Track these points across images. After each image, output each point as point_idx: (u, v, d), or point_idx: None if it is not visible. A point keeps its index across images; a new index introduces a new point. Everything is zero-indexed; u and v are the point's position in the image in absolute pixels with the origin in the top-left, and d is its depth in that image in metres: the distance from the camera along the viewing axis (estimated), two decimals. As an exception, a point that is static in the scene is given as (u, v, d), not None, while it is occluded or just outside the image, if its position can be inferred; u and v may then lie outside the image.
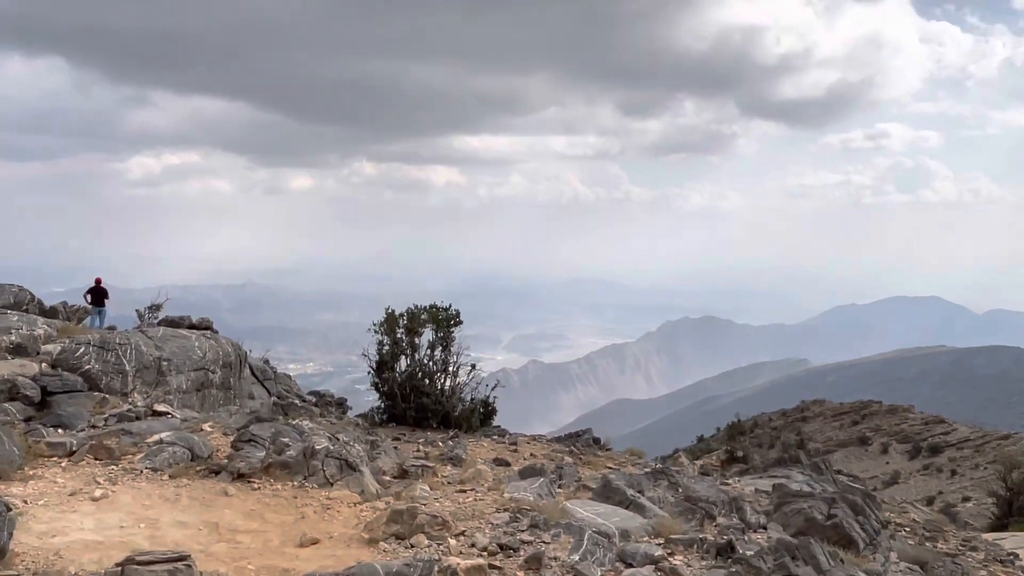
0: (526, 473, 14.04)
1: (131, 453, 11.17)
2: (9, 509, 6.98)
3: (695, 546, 9.08)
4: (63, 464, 10.67)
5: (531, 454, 18.89)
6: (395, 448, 18.25)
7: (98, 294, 26.07)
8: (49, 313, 17.96)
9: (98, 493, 9.75)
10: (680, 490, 15.20)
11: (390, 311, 24.84)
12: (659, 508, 11.55)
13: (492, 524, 9.49)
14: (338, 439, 11.36)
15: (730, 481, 17.14)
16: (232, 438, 12.16)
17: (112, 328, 23.64)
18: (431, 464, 13.16)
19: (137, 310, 28.13)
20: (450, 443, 19.98)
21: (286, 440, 11.92)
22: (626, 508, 10.89)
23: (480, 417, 23.91)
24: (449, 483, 12.66)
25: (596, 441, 22.44)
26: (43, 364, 13.22)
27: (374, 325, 24.64)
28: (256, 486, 10.56)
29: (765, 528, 12.15)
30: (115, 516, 9.22)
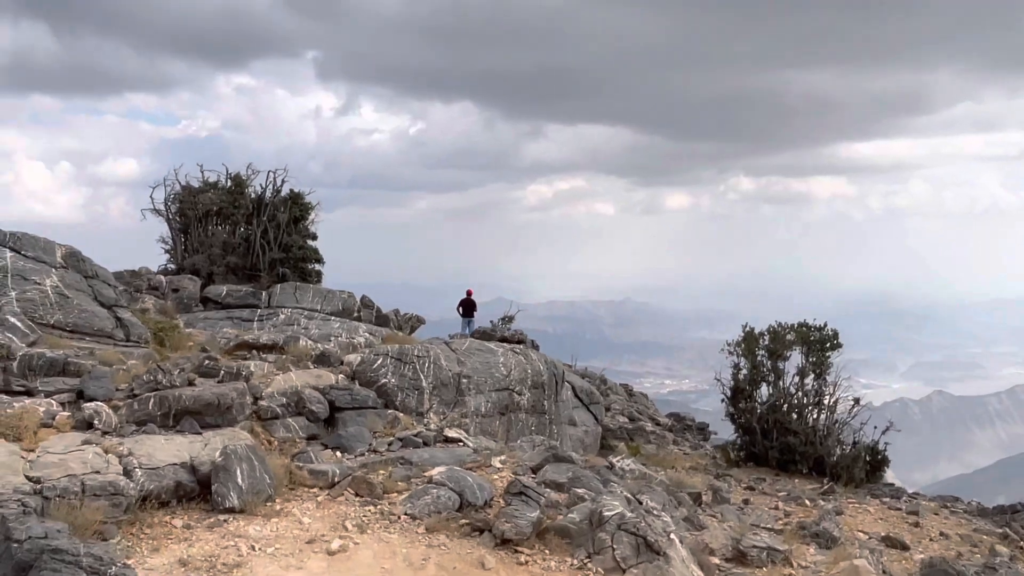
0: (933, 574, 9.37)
1: (396, 491, 9.22)
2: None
3: None
4: (320, 498, 9.05)
5: (940, 533, 13.58)
6: (744, 503, 14.41)
7: (468, 306, 26.74)
8: (381, 320, 17.62)
9: (336, 545, 7.81)
10: None
11: (748, 329, 20.89)
12: None
13: None
14: (639, 502, 8.13)
15: None
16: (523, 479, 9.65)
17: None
18: (782, 547, 9.23)
19: (491, 321, 28.03)
20: (821, 501, 15.45)
21: (581, 492, 9.07)
22: None
23: (866, 468, 18.72)
24: (808, 581, 8.69)
25: (1046, 522, 15.86)
26: (340, 376, 12.17)
27: (728, 345, 20.89)
28: (524, 559, 7.82)
29: None
30: (343, 582, 7.17)
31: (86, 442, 8.58)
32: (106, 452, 8.47)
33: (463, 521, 8.49)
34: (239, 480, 8.53)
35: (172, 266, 18.41)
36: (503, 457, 10.76)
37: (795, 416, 19.78)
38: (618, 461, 12.99)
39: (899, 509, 15.27)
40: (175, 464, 8.59)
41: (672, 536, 7.81)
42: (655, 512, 8.00)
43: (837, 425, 19.66)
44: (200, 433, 9.37)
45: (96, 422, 9.09)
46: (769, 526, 11.47)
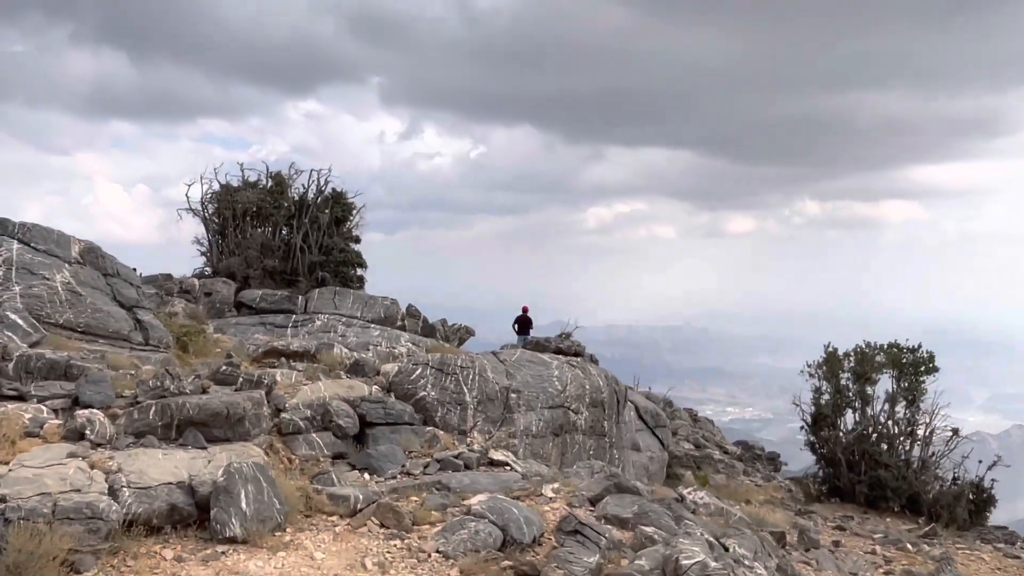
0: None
1: (429, 523, 7.79)
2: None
3: None
4: (338, 528, 7.68)
5: (1075, 589, 11.51)
6: (835, 545, 12.52)
7: (524, 323, 25.83)
8: (427, 331, 16.32)
9: (350, 587, 6.41)
10: None
11: (831, 349, 18.94)
12: None
13: None
14: (725, 548, 6.52)
15: None
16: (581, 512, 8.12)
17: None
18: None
19: (547, 337, 26.75)
20: (924, 545, 13.44)
21: (650, 531, 7.51)
22: None
23: (970, 507, 16.53)
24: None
25: None
26: (375, 388, 10.85)
27: (808, 367, 18.97)
28: (579, 616, 6.29)
29: None
30: (350, 637, 5.75)
31: (71, 455, 7.41)
32: (92, 467, 7.26)
33: (505, 563, 7.00)
34: (243, 505, 7.22)
35: (208, 269, 17.48)
36: (556, 485, 9.25)
37: (885, 447, 17.71)
38: (689, 493, 11.31)
39: (1018, 557, 13.16)
40: (170, 483, 7.32)
41: (768, 593, 6.17)
42: (746, 562, 6.37)
43: (934, 458, 17.52)
44: (205, 448, 8.13)
45: (88, 432, 7.91)
46: (872, 576, 9.66)
